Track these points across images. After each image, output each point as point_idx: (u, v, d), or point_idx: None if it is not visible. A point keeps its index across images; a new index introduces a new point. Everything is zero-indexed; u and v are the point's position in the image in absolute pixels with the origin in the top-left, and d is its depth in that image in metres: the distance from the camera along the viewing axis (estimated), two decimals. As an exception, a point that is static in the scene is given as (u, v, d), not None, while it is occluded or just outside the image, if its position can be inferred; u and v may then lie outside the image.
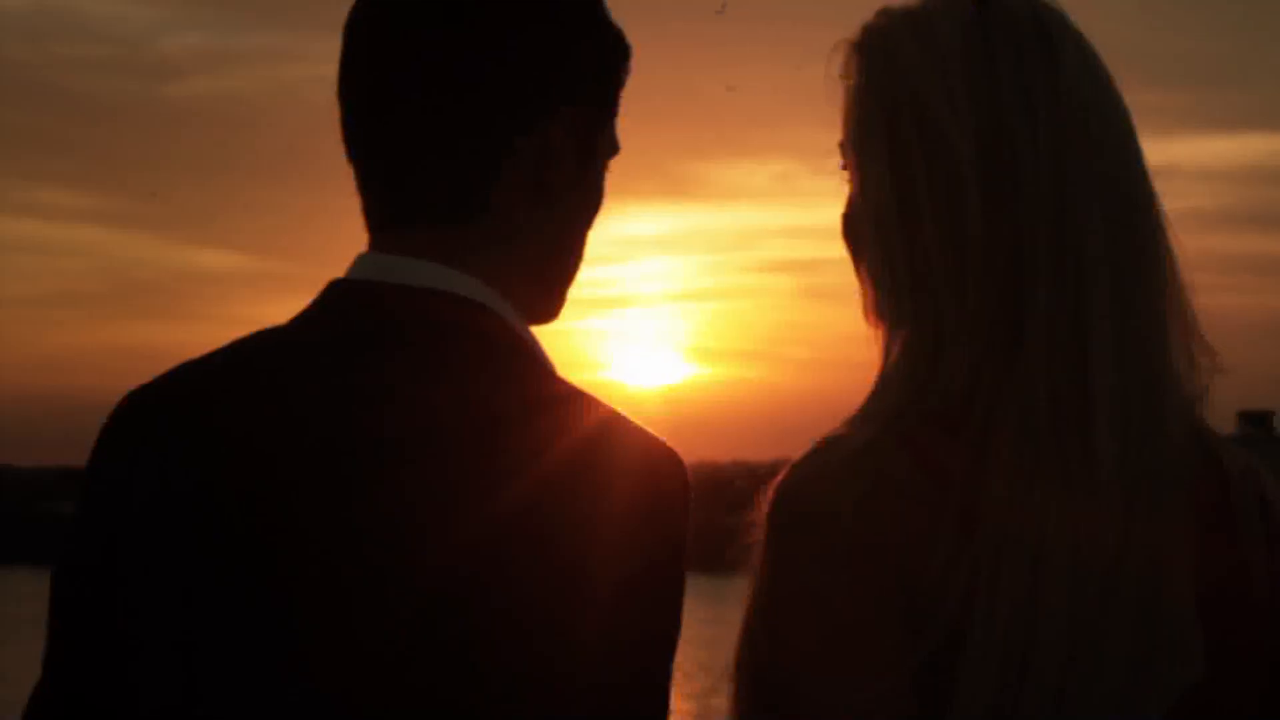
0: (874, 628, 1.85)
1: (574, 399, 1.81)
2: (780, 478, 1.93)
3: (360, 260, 1.89)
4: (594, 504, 1.73)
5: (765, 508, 1.92)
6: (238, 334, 1.91)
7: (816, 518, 1.88)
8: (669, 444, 1.81)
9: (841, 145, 2.07)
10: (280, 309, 1.91)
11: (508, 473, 1.72)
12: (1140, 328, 1.97)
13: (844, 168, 2.07)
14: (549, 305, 1.97)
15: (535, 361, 1.86)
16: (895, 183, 1.96)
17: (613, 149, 1.97)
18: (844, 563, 1.86)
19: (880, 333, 2.03)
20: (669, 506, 1.77)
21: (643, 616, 1.74)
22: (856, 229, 2.03)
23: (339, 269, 1.91)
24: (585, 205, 1.95)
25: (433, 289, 1.85)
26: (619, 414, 1.81)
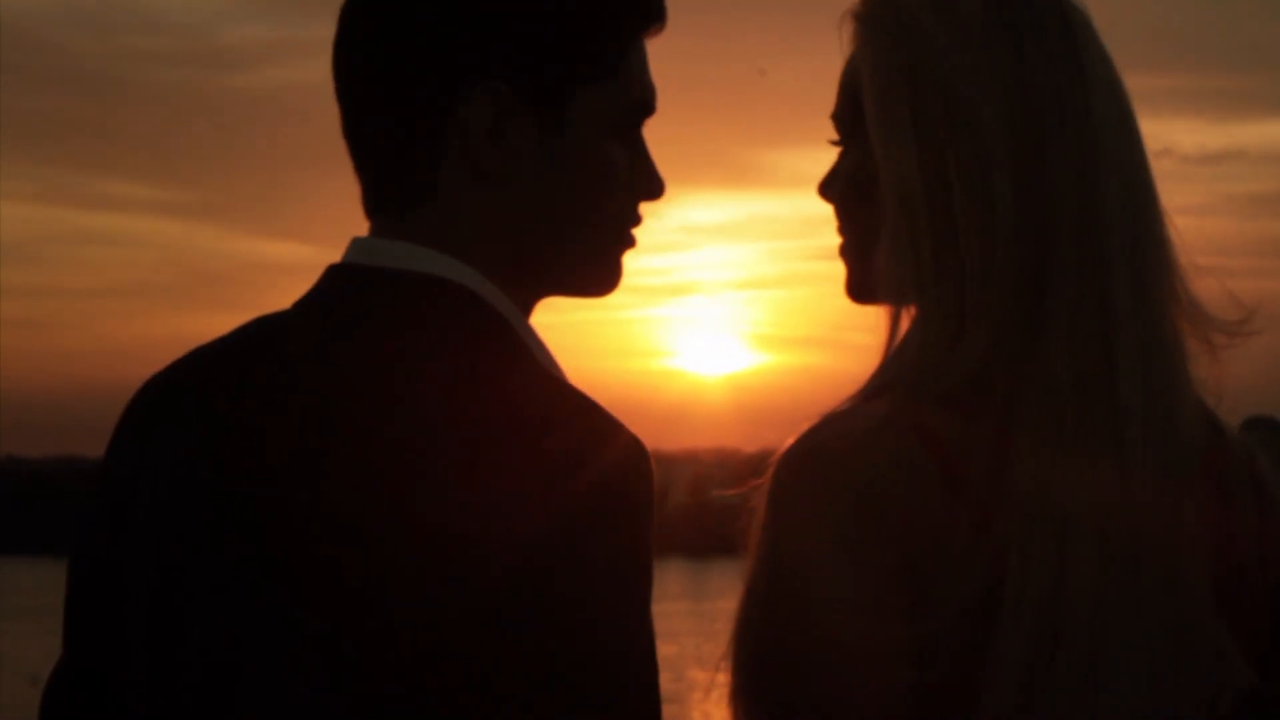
0: (874, 602, 1.85)
1: (552, 393, 1.80)
2: (787, 450, 1.93)
3: (351, 244, 1.92)
4: (579, 500, 1.71)
5: (769, 480, 1.92)
6: (305, 324, 1.92)
7: (824, 491, 1.88)
8: (638, 436, 1.78)
9: (838, 117, 2.06)
10: (344, 299, 1.93)
11: (494, 471, 1.71)
12: (1157, 312, 1.98)
13: (839, 141, 2.07)
14: (572, 281, 1.95)
15: (508, 346, 1.85)
16: (922, 158, 1.95)
17: (613, 115, 1.91)
18: (850, 537, 1.86)
19: (886, 309, 2.03)
20: (645, 499, 1.75)
21: (625, 617, 1.72)
22: (859, 202, 2.03)
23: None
24: (568, 177, 1.90)
25: (408, 271, 1.85)
26: (600, 409, 1.78)
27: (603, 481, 1.72)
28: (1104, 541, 1.90)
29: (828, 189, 2.10)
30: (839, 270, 2.11)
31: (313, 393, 1.78)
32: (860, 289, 2.07)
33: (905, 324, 2.01)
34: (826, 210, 2.11)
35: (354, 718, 1.70)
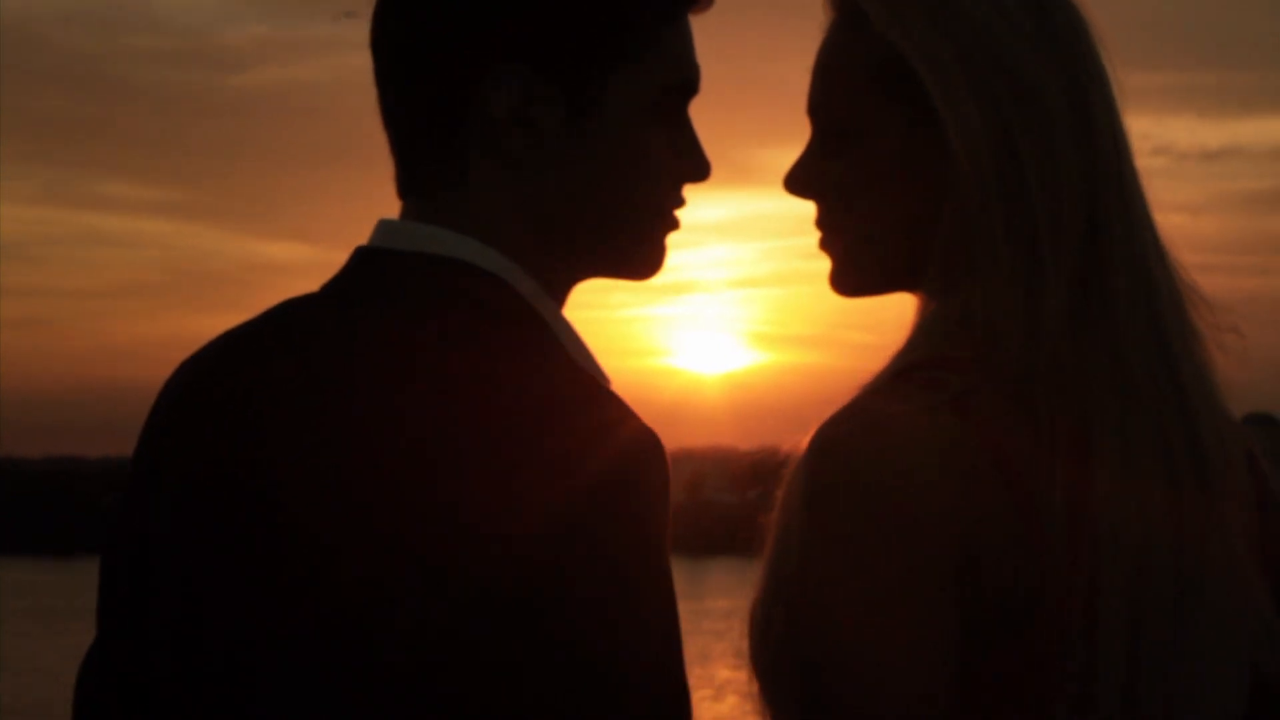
0: (928, 598, 1.84)
1: (573, 386, 1.78)
2: (827, 438, 1.89)
3: (378, 226, 1.91)
4: (597, 495, 1.69)
5: (806, 470, 1.89)
6: (303, 325, 1.91)
7: (879, 484, 1.85)
8: (654, 432, 1.76)
9: (837, 108, 2.03)
10: (343, 299, 1.93)
11: (513, 464, 1.70)
12: (1184, 293, 2.00)
13: (837, 133, 2.03)
14: (611, 265, 1.93)
15: (531, 332, 1.83)
16: (988, 134, 1.93)
17: (649, 96, 1.88)
18: (904, 532, 1.84)
19: (918, 296, 2.02)
20: (657, 493, 1.73)
21: (645, 602, 1.71)
22: (878, 191, 2.00)
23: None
24: (599, 161, 1.87)
25: (429, 254, 1.85)
26: (616, 402, 1.77)
27: (608, 473, 1.70)
28: (1179, 570, 1.89)
29: (811, 185, 2.07)
30: (835, 268, 2.09)
31: (334, 381, 1.78)
32: (861, 282, 2.05)
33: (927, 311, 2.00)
34: (823, 209, 2.08)
35: (364, 708, 1.69)
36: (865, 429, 1.88)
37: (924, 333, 1.98)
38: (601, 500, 1.69)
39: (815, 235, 2.09)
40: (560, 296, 1.91)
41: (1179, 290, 1.99)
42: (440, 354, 1.77)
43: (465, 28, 1.85)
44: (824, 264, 2.09)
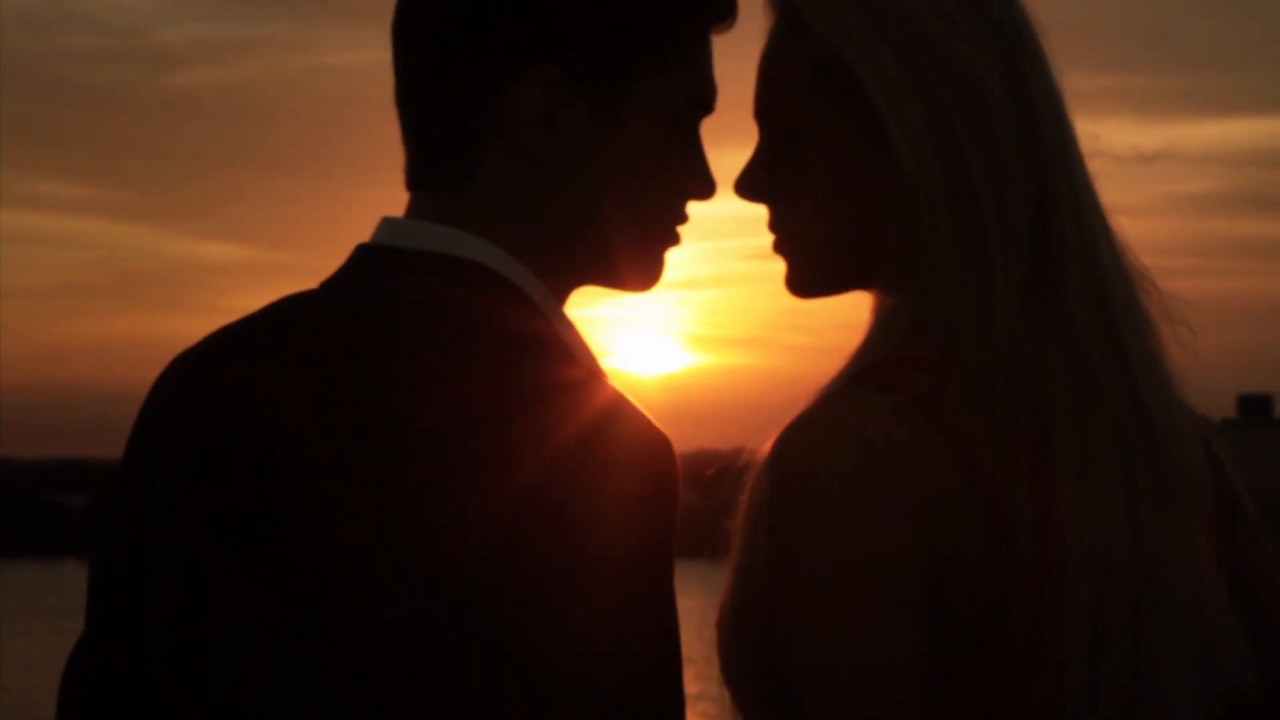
0: (904, 602, 1.83)
1: (579, 382, 1.79)
2: (791, 446, 1.89)
3: (380, 223, 1.90)
4: (597, 489, 1.71)
5: (772, 475, 1.88)
6: (240, 327, 1.90)
7: (843, 492, 1.84)
8: (664, 431, 1.78)
9: (782, 111, 2.02)
10: (283, 301, 1.90)
11: (518, 458, 1.71)
12: (1135, 283, 2.00)
13: (786, 134, 2.02)
14: (611, 274, 1.92)
15: (535, 331, 1.83)
16: (934, 132, 1.93)
17: (671, 110, 1.88)
18: (870, 539, 1.84)
19: (874, 295, 2.01)
20: (665, 492, 1.74)
21: (642, 600, 1.72)
22: (827, 192, 1.99)
23: (343, 260, 1.92)
24: (617, 170, 1.87)
25: (432, 253, 1.84)
26: (624, 400, 1.78)
27: (603, 466, 1.71)
28: (1137, 576, 1.88)
29: (760, 189, 2.06)
30: (775, 270, 2.08)
31: (331, 379, 1.78)
32: (816, 283, 2.05)
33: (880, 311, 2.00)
34: (763, 210, 2.08)
35: (364, 708, 1.70)
36: (828, 433, 1.88)
37: (881, 333, 1.98)
38: (595, 493, 1.71)
39: (754, 236, 2.10)
40: (562, 299, 1.91)
41: (1131, 280, 1.99)
42: (441, 353, 1.78)
43: (498, 24, 1.84)
44: (763, 265, 2.09)
